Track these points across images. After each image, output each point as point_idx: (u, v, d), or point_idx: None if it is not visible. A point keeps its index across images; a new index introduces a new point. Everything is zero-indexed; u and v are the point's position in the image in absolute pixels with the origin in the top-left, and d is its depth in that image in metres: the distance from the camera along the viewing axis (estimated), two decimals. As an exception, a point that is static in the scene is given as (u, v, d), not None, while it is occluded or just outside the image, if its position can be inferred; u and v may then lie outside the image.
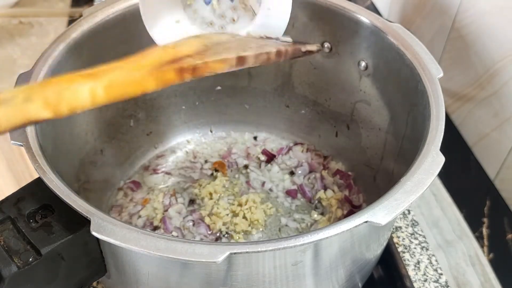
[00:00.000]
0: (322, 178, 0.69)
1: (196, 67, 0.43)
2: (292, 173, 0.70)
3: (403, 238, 0.64)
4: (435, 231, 0.65)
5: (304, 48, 0.51)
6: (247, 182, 0.68)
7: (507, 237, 0.64)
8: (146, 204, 0.65)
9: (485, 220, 0.66)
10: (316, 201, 0.66)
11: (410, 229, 0.65)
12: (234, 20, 0.54)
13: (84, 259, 0.44)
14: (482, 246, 0.64)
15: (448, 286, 0.60)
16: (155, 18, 0.52)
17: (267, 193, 0.67)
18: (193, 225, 0.63)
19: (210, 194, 0.66)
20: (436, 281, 0.60)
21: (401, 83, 0.55)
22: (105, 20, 0.57)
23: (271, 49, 0.47)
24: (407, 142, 0.56)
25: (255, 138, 0.74)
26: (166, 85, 0.42)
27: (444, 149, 0.45)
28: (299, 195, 0.67)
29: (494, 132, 0.68)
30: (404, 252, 0.63)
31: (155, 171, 0.70)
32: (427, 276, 0.60)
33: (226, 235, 0.63)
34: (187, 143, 0.73)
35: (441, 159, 0.44)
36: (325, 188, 0.68)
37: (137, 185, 0.68)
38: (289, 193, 0.67)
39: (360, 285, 0.55)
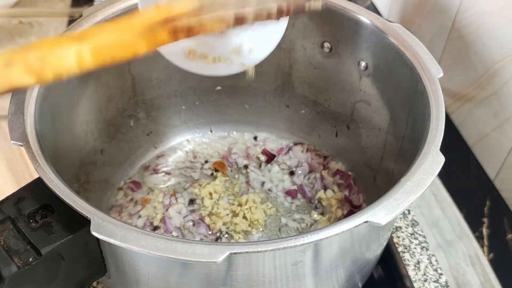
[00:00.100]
0: (322, 178, 0.69)
1: (190, 27, 0.40)
2: (292, 173, 0.70)
3: (403, 238, 0.64)
4: (435, 231, 0.65)
5: (307, 6, 0.46)
6: (247, 182, 0.68)
7: (507, 237, 0.64)
8: (146, 204, 0.65)
9: (485, 220, 0.66)
10: (316, 201, 0.66)
11: (410, 229, 0.65)
12: None
13: (84, 259, 0.44)
14: (482, 246, 0.64)
15: (448, 286, 0.60)
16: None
17: (267, 193, 0.67)
18: (193, 225, 0.64)
19: (210, 194, 0.66)
20: (436, 281, 0.60)
21: (401, 83, 0.55)
22: (105, 20, 0.57)
23: (271, 5, 0.44)
24: (407, 142, 0.56)
25: (255, 138, 0.74)
26: (159, 46, 0.40)
27: (444, 149, 0.45)
28: (299, 195, 0.67)
29: (494, 132, 0.68)
30: (404, 252, 0.63)
31: (155, 171, 0.70)
32: (427, 276, 0.60)
33: (226, 235, 0.63)
34: (187, 143, 0.73)
35: (441, 159, 0.44)
36: (325, 188, 0.68)
37: (137, 185, 0.68)
38: (289, 193, 0.67)
39: (360, 285, 0.55)
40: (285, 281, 0.44)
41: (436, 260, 0.62)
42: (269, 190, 0.68)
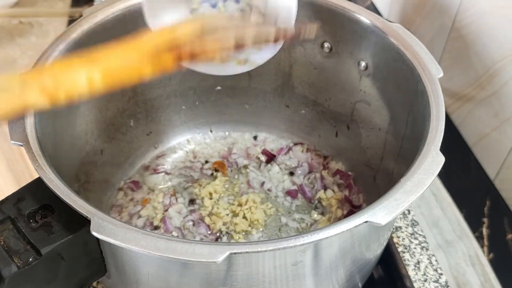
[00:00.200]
0: (322, 178, 0.69)
1: (193, 54, 0.42)
2: (292, 173, 0.70)
3: (403, 238, 0.64)
4: (435, 231, 0.65)
5: (302, 34, 0.49)
6: (247, 182, 0.69)
7: (507, 237, 0.64)
8: (146, 204, 0.65)
9: (485, 220, 0.66)
10: (316, 201, 0.66)
11: (410, 229, 0.65)
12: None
13: (84, 259, 0.44)
14: (482, 246, 0.64)
15: (448, 286, 0.60)
16: (160, 22, 0.52)
17: (267, 193, 0.67)
18: (193, 225, 0.64)
19: (210, 194, 0.66)
20: (436, 281, 0.60)
21: (401, 83, 0.55)
22: (105, 20, 0.57)
23: (269, 30, 0.46)
24: (407, 142, 0.56)
25: (255, 138, 0.74)
26: (164, 71, 0.42)
27: (444, 149, 0.45)
28: (299, 195, 0.67)
29: (494, 132, 0.68)
30: (404, 252, 0.63)
31: (155, 171, 0.70)
32: (427, 276, 0.60)
33: (226, 235, 0.63)
34: (187, 143, 0.73)
35: (441, 159, 0.44)
36: (325, 188, 0.68)
37: (137, 185, 0.68)
38: (289, 193, 0.67)
39: (360, 285, 0.55)
40: (285, 281, 0.44)
41: (436, 260, 0.62)
42: (269, 190, 0.68)
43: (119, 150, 0.67)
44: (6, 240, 0.41)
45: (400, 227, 0.65)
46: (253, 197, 0.65)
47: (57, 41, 0.54)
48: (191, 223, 0.64)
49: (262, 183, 0.68)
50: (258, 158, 0.72)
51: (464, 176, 0.71)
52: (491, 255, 0.63)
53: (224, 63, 0.53)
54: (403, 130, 0.56)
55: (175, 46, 0.42)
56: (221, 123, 0.74)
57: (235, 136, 0.75)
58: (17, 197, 0.43)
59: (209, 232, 0.63)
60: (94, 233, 0.38)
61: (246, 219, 0.63)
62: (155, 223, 0.64)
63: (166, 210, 0.64)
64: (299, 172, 0.70)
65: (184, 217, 0.64)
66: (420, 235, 0.64)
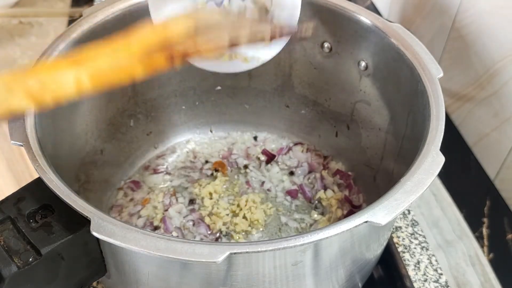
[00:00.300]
0: (322, 178, 0.69)
1: (186, 54, 0.41)
2: (292, 173, 0.70)
3: (403, 238, 0.64)
4: (435, 231, 0.65)
5: (298, 33, 0.49)
6: (247, 182, 0.68)
7: (507, 237, 0.64)
8: (146, 204, 0.65)
9: (485, 220, 0.66)
10: (316, 201, 0.66)
11: (410, 229, 0.65)
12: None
13: (84, 259, 0.44)
14: (482, 246, 0.64)
15: (448, 286, 0.60)
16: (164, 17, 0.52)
17: (267, 193, 0.67)
18: (193, 225, 0.64)
19: (210, 194, 0.66)
20: (436, 281, 0.60)
21: (401, 83, 0.55)
22: (105, 20, 0.57)
23: (264, 29, 0.45)
24: (407, 142, 0.56)
25: (255, 138, 0.74)
26: (155, 72, 0.40)
27: (444, 149, 0.45)
28: (299, 195, 0.67)
29: (494, 132, 0.68)
30: (404, 252, 0.63)
31: (155, 171, 0.70)
32: (427, 276, 0.60)
33: (226, 235, 0.63)
34: (187, 143, 0.73)
35: (441, 159, 0.44)
36: (325, 188, 0.68)
37: (137, 185, 0.68)
38: (290, 193, 0.67)
39: (360, 285, 0.55)
40: (285, 281, 0.44)
41: (436, 260, 0.62)
42: (268, 190, 0.68)
43: (119, 150, 0.67)
44: (6, 240, 0.41)
45: (400, 227, 0.65)
46: (253, 197, 0.65)
47: (57, 41, 0.54)
48: (191, 223, 0.64)
49: (262, 183, 0.68)
50: (258, 158, 0.72)
51: (464, 176, 0.71)
52: (491, 255, 0.63)
53: (231, 60, 0.53)
54: (403, 130, 0.56)
55: (167, 45, 0.41)
56: (221, 123, 0.74)
57: (235, 136, 0.75)
58: (17, 197, 0.43)
59: (209, 232, 0.63)
60: (94, 233, 0.38)
61: (246, 219, 0.63)
62: (155, 223, 0.64)
63: (166, 210, 0.64)
64: (299, 172, 0.70)
65: (184, 217, 0.64)
66: (420, 235, 0.64)
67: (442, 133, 0.46)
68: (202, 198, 0.66)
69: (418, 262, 0.62)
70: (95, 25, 0.57)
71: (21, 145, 0.44)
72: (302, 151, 0.72)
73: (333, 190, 0.67)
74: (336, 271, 0.48)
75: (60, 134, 0.54)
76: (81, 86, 0.37)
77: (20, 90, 0.35)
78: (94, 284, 0.59)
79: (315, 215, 0.65)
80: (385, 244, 0.55)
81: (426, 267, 0.61)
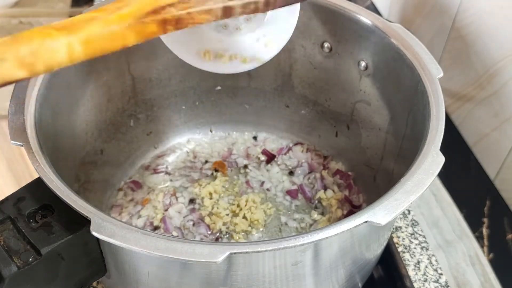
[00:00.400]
0: (322, 178, 0.69)
1: (179, 19, 0.40)
2: (291, 173, 0.70)
3: (403, 238, 0.64)
4: (435, 231, 0.65)
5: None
6: (247, 182, 0.68)
7: (507, 237, 0.64)
8: (146, 204, 0.65)
9: (485, 220, 0.66)
10: (316, 201, 0.66)
11: (410, 229, 0.65)
12: (248, 20, 0.53)
13: (84, 259, 0.44)
14: (482, 246, 0.64)
15: (448, 286, 0.60)
16: None
17: (267, 193, 0.67)
18: (193, 225, 0.64)
19: (210, 194, 0.66)
20: (436, 281, 0.60)
21: (401, 83, 0.55)
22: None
23: (259, 2, 0.44)
24: (407, 142, 0.56)
25: (255, 138, 0.74)
26: (148, 38, 0.40)
27: (444, 149, 0.45)
28: (299, 195, 0.67)
29: (494, 132, 0.68)
30: (404, 252, 0.63)
31: (155, 171, 0.70)
32: (427, 276, 0.60)
33: (226, 235, 0.63)
34: (187, 143, 0.73)
35: (441, 159, 0.44)
36: (325, 188, 0.68)
37: (137, 185, 0.68)
38: (290, 193, 0.67)
39: (360, 285, 0.55)
40: (285, 281, 0.44)
41: (436, 260, 0.62)
42: (268, 190, 0.68)
43: (119, 150, 0.67)
44: (6, 240, 0.41)
45: (400, 227, 0.65)
46: (253, 197, 0.65)
47: (57, 41, 0.54)
48: (191, 223, 0.64)
49: (262, 183, 0.68)
50: (258, 158, 0.72)
51: (464, 176, 0.71)
52: (491, 255, 0.63)
53: (230, 61, 0.53)
54: (403, 130, 0.56)
55: (159, 8, 0.40)
56: (221, 123, 0.74)
57: (235, 136, 0.75)
58: (17, 197, 0.43)
59: (209, 232, 0.63)
60: (94, 233, 0.38)
61: (246, 219, 0.63)
62: (155, 223, 0.64)
63: (166, 210, 0.64)
64: (299, 172, 0.70)
65: (184, 217, 0.64)
66: (420, 235, 0.64)
67: (442, 133, 0.46)
68: (202, 198, 0.66)
69: (418, 262, 0.62)
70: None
71: (21, 145, 0.44)
72: (302, 151, 0.72)
73: (333, 190, 0.67)
74: (336, 271, 0.48)
75: (60, 134, 0.54)
76: (73, 53, 0.36)
77: (11, 58, 0.34)
78: (94, 284, 0.59)
79: (315, 215, 0.65)
80: (385, 244, 0.55)
81: (426, 267, 0.61)
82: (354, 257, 0.48)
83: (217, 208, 0.65)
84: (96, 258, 0.44)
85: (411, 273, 0.61)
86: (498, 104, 0.66)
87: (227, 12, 0.43)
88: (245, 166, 0.70)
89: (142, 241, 0.38)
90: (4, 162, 0.72)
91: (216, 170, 0.70)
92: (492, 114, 0.67)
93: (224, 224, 0.63)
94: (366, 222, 0.39)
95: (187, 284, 0.44)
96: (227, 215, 0.64)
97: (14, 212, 0.42)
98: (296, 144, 0.73)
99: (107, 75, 0.61)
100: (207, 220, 0.64)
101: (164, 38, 0.53)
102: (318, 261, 0.44)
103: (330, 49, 0.63)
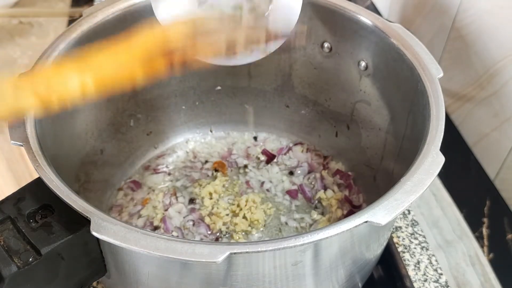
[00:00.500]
0: (322, 178, 0.69)
1: (186, 61, 0.42)
2: (291, 173, 0.70)
3: (403, 238, 0.64)
4: (435, 231, 0.65)
5: (293, 43, 0.50)
6: (247, 182, 0.69)
7: (507, 237, 0.64)
8: (146, 204, 0.65)
9: (485, 220, 0.66)
10: (316, 201, 0.66)
11: (410, 229, 0.65)
12: (252, 10, 0.53)
13: (84, 259, 0.44)
14: (482, 246, 0.64)
15: (448, 286, 0.60)
16: (169, 15, 0.52)
17: (266, 193, 0.67)
18: (193, 225, 0.64)
19: (210, 194, 0.66)
20: (436, 281, 0.60)
21: (401, 83, 0.55)
22: (105, 20, 0.57)
23: (261, 32, 0.47)
24: (407, 142, 0.56)
25: (255, 138, 0.74)
26: (156, 76, 0.41)
27: (444, 149, 0.45)
28: (299, 195, 0.67)
29: (494, 132, 0.68)
30: (404, 252, 0.63)
31: (155, 171, 0.70)
32: (427, 276, 0.60)
33: (226, 235, 0.63)
34: (187, 143, 0.73)
35: (441, 159, 0.44)
36: (325, 188, 0.68)
37: (137, 185, 0.68)
38: (290, 193, 0.67)
39: (360, 285, 0.55)
40: (285, 281, 0.44)
41: (436, 260, 0.62)
42: (267, 190, 0.68)
43: (119, 150, 0.67)
44: (6, 240, 0.41)
45: (400, 227, 0.65)
46: (253, 197, 0.65)
47: (57, 41, 0.54)
48: (191, 223, 0.64)
49: (262, 183, 0.68)
50: (258, 158, 0.72)
51: (464, 176, 0.71)
52: (491, 255, 0.63)
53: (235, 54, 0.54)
54: (403, 130, 0.56)
55: (167, 51, 0.42)
56: (221, 123, 0.74)
57: (235, 136, 0.75)
58: (17, 197, 0.43)
59: (209, 232, 0.63)
60: (94, 233, 0.38)
61: (246, 219, 0.63)
62: (155, 223, 0.64)
63: (166, 210, 0.64)
64: (299, 172, 0.70)
65: (184, 217, 0.64)
66: (420, 235, 0.64)
67: (442, 133, 0.46)
68: (202, 198, 0.66)
69: (418, 262, 0.62)
70: (95, 25, 0.57)
71: (21, 145, 0.44)
72: (302, 151, 0.72)
73: (333, 190, 0.67)
74: (336, 271, 0.48)
75: (60, 134, 0.54)
76: (85, 89, 0.38)
77: (27, 91, 0.36)
78: (94, 284, 0.59)
79: (315, 215, 0.65)
80: (385, 244, 0.55)
81: (426, 267, 0.61)
82: (354, 257, 0.48)
83: (217, 208, 0.65)
84: (96, 258, 0.44)
85: (411, 273, 0.61)
86: (498, 104, 0.66)
87: (231, 49, 0.45)
88: (245, 166, 0.70)
89: (142, 241, 0.38)
90: (4, 162, 0.72)
91: (216, 170, 0.70)
92: (492, 114, 0.67)
93: (224, 224, 0.63)
94: (366, 222, 0.39)
95: (187, 284, 0.44)
96: (227, 215, 0.64)
97: (14, 212, 0.42)
98: (296, 144, 0.73)
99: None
100: (207, 220, 0.64)
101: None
102: (318, 261, 0.44)
103: (330, 49, 0.63)
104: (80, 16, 0.57)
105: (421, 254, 0.62)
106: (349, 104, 0.65)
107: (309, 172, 0.70)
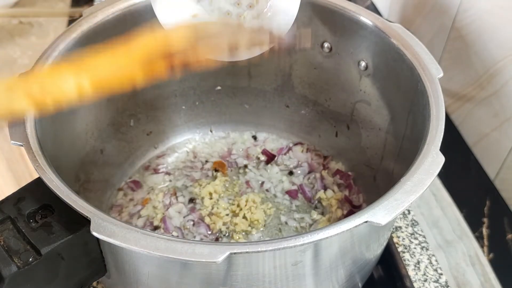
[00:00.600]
0: (322, 178, 0.69)
1: (187, 64, 0.42)
2: (291, 173, 0.70)
3: (403, 238, 0.64)
4: (435, 231, 0.65)
5: (297, 43, 0.50)
6: (247, 182, 0.68)
7: (507, 237, 0.64)
8: (146, 204, 0.65)
9: (485, 220, 0.66)
10: (316, 201, 0.66)
11: (410, 229, 0.65)
12: (251, 6, 0.53)
13: (84, 259, 0.44)
14: (482, 246, 0.64)
15: (448, 286, 0.60)
16: (170, 15, 0.52)
17: (266, 193, 0.67)
18: (193, 225, 0.64)
19: (210, 194, 0.66)
20: (436, 281, 0.60)
21: (401, 83, 0.55)
22: (105, 20, 0.57)
23: (263, 38, 0.46)
24: (407, 142, 0.56)
25: (255, 138, 0.74)
26: (155, 80, 0.41)
27: (444, 149, 0.45)
28: (299, 195, 0.67)
29: (494, 132, 0.68)
30: (404, 252, 0.63)
31: (155, 171, 0.70)
32: (427, 276, 0.60)
33: (226, 235, 0.63)
34: (187, 143, 0.73)
35: (441, 159, 0.44)
36: (325, 188, 0.68)
37: (137, 184, 0.68)
38: (290, 193, 0.67)
39: (360, 285, 0.55)
40: (285, 281, 0.44)
41: (436, 260, 0.62)
42: (267, 190, 0.68)
43: (119, 150, 0.67)
44: (6, 240, 0.41)
45: (400, 227, 0.65)
46: (253, 197, 0.65)
47: (57, 41, 0.54)
48: (191, 223, 0.64)
49: (262, 183, 0.68)
50: (258, 158, 0.72)
51: (464, 176, 0.71)
52: (491, 255, 0.63)
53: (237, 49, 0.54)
54: (403, 130, 0.56)
55: (167, 54, 0.42)
56: (221, 123, 0.74)
57: (235, 136, 0.75)
58: (17, 197, 0.43)
59: (209, 232, 0.63)
60: (94, 233, 0.38)
61: (246, 219, 0.63)
62: (155, 223, 0.64)
63: (166, 210, 0.64)
64: (299, 172, 0.70)
65: (184, 217, 0.64)
66: (420, 235, 0.64)
67: (442, 133, 0.46)
68: (202, 198, 0.66)
69: (418, 262, 0.62)
70: (95, 25, 0.57)
71: (21, 145, 0.44)
72: (302, 151, 0.72)
73: (333, 190, 0.67)
74: (336, 271, 0.48)
75: (60, 134, 0.54)
76: (82, 91, 0.37)
77: (22, 93, 0.35)
78: (94, 284, 0.59)
79: (315, 215, 0.65)
80: (385, 244, 0.55)
81: (426, 267, 0.61)
82: (354, 257, 0.48)
83: (217, 208, 0.65)
84: (96, 258, 0.44)
85: (411, 273, 0.61)
86: (498, 104, 0.66)
87: (233, 54, 0.45)
88: (245, 166, 0.70)
89: (142, 241, 0.38)
90: (4, 162, 0.72)
91: (216, 170, 0.70)
92: (492, 114, 0.67)
93: (224, 224, 0.63)
94: (366, 222, 0.39)
95: (187, 284, 0.44)
96: (227, 215, 0.64)
97: (14, 212, 0.42)
98: (296, 144, 0.73)
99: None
100: (207, 220, 0.64)
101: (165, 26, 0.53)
102: (318, 261, 0.44)
103: (330, 49, 0.63)
104: (80, 16, 0.57)
105: (421, 254, 0.62)
106: (349, 104, 0.65)
107: (309, 172, 0.70)
